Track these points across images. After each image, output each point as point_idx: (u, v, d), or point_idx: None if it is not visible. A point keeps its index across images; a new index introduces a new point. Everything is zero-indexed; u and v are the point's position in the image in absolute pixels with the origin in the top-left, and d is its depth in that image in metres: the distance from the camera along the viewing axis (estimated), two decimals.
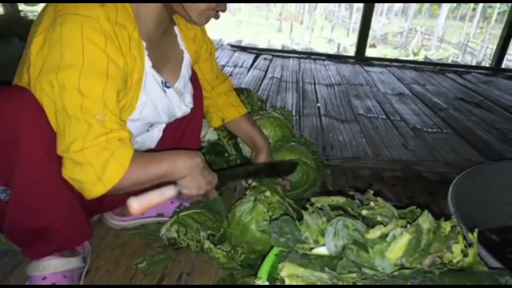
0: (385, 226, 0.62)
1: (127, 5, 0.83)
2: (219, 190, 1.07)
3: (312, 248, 0.67)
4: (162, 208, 1.25)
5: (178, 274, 1.06)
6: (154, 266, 1.06)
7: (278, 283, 0.58)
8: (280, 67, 3.84)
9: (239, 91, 1.78)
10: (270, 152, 1.28)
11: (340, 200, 0.74)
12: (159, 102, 0.96)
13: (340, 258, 0.60)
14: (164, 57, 0.99)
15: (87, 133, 0.73)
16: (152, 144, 1.12)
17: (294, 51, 5.03)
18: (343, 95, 3.09)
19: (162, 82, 0.95)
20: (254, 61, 3.98)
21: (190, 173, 0.89)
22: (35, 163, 0.78)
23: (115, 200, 1.16)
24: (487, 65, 5.54)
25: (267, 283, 0.60)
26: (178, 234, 1.09)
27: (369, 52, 4.82)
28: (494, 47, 4.96)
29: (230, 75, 3.31)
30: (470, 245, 0.61)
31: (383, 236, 0.61)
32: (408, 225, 0.61)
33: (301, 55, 4.56)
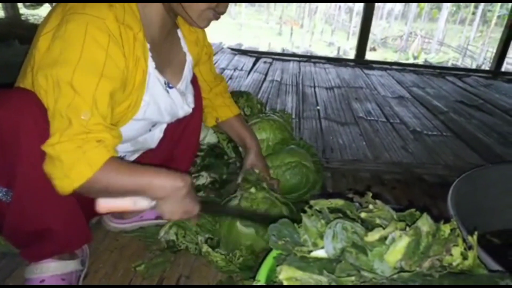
0: (384, 229, 0.62)
1: (133, 5, 0.84)
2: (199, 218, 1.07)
3: (310, 251, 0.66)
4: None
5: (177, 277, 1.05)
6: (152, 269, 1.06)
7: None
8: (280, 70, 3.84)
9: (239, 94, 1.78)
10: (259, 154, 1.28)
11: (339, 202, 0.73)
12: (162, 102, 0.96)
13: (339, 261, 0.60)
14: (167, 59, 1.00)
15: (65, 129, 0.71)
16: (153, 144, 1.13)
17: (294, 55, 5.04)
18: (343, 98, 3.09)
19: (165, 82, 0.96)
20: (254, 64, 3.99)
21: (167, 196, 0.84)
22: (37, 165, 0.78)
23: None
24: (487, 68, 5.55)
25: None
26: (176, 237, 1.09)
27: (369, 56, 4.83)
28: (494, 51, 4.97)
29: (230, 78, 3.32)
30: (470, 248, 0.60)
31: (382, 239, 0.61)
32: (408, 228, 0.61)
33: (301, 59, 4.57)
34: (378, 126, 2.50)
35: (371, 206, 0.69)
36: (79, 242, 0.97)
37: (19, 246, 0.91)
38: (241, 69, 3.69)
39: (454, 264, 0.58)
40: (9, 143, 0.76)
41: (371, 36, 4.79)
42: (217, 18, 0.93)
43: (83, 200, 0.91)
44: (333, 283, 0.54)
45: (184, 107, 1.05)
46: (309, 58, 4.65)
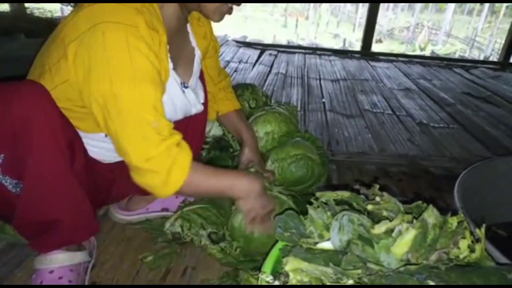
0: (390, 221, 0.61)
1: (155, 6, 0.84)
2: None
3: (316, 243, 0.66)
4: (167, 202, 1.25)
5: (183, 269, 1.06)
6: (159, 261, 1.06)
7: (282, 277, 0.58)
8: (285, 62, 3.82)
9: (244, 86, 1.77)
10: (254, 148, 1.27)
11: (345, 194, 0.73)
12: (178, 102, 0.98)
13: (345, 253, 0.60)
14: (179, 55, 1.00)
15: (146, 144, 0.78)
16: None
17: (299, 47, 5.00)
18: (348, 91, 3.07)
19: (181, 82, 0.98)
20: (259, 56, 3.97)
21: (246, 198, 0.96)
22: (47, 157, 0.80)
23: (122, 192, 1.17)
24: (495, 59, 5.47)
25: (271, 277, 0.60)
26: (182, 229, 1.10)
27: (375, 47, 4.79)
28: (503, 42, 4.90)
29: (235, 70, 3.31)
30: (477, 240, 0.60)
31: (389, 231, 0.60)
32: (414, 220, 0.61)
33: (306, 51, 4.54)
34: (384, 119, 2.48)
35: (378, 198, 0.69)
36: (87, 234, 0.98)
37: (28, 237, 0.92)
38: (246, 62, 3.67)
39: (461, 256, 0.57)
40: (20, 136, 0.77)
41: (377, 27, 4.75)
42: (230, 12, 0.94)
43: (90, 190, 0.93)
44: (339, 275, 0.54)
45: (197, 105, 1.07)
46: (315, 50, 4.62)
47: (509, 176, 1.23)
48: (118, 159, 1.05)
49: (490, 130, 2.41)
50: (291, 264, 0.59)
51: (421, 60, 4.67)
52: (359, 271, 0.54)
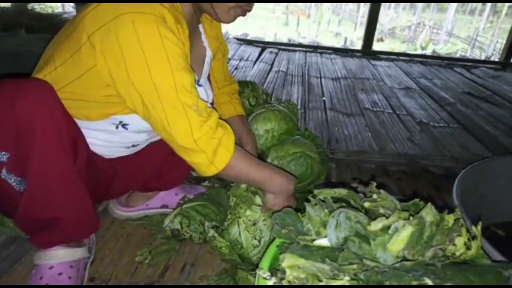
0: (387, 218, 0.62)
1: (178, 4, 0.86)
2: None
3: (314, 240, 0.67)
4: (166, 199, 1.26)
5: (181, 265, 1.07)
6: (158, 257, 1.07)
7: (279, 274, 0.58)
8: (286, 60, 3.82)
9: (245, 84, 1.78)
10: (253, 154, 1.22)
11: (342, 192, 0.73)
12: None
13: (342, 250, 0.60)
14: (192, 52, 1.00)
15: (191, 126, 0.81)
16: None
17: (300, 45, 5.00)
18: (349, 89, 3.07)
19: (195, 80, 0.97)
20: (260, 54, 3.97)
21: (278, 193, 0.99)
22: (50, 155, 0.80)
23: (122, 188, 1.17)
24: (496, 59, 5.47)
25: (268, 274, 0.60)
26: (181, 226, 1.10)
27: (377, 46, 4.78)
28: (504, 42, 4.89)
29: (236, 68, 3.31)
30: (473, 238, 0.60)
31: (385, 228, 0.61)
32: (411, 218, 0.61)
33: (307, 49, 4.54)
34: (384, 117, 2.48)
35: (375, 196, 0.69)
36: (88, 231, 0.99)
37: (30, 233, 0.93)
38: (247, 59, 3.67)
39: (457, 254, 0.58)
40: (25, 133, 0.77)
41: (378, 26, 4.74)
42: (243, 14, 0.94)
43: (91, 186, 0.93)
44: (336, 271, 0.54)
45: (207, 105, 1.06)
46: (316, 49, 4.62)
47: (509, 175, 1.23)
48: (120, 154, 1.06)
49: (490, 130, 2.41)
50: (288, 261, 0.59)
51: (422, 59, 4.67)
52: (355, 266, 0.54)
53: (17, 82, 0.79)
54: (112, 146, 1.00)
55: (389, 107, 2.70)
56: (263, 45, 4.43)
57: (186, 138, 0.82)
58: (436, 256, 0.56)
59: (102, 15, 0.76)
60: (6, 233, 1.10)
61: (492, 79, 3.87)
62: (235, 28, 4.95)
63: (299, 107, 2.50)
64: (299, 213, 0.74)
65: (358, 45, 5.23)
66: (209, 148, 0.84)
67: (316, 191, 0.75)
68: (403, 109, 2.69)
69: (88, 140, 0.95)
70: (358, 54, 4.51)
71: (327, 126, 2.25)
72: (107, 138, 0.97)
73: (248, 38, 4.95)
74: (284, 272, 0.58)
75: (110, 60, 0.76)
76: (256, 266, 0.97)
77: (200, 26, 1.05)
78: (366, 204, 0.68)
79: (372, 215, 0.66)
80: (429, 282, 0.52)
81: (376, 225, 0.61)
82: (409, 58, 4.62)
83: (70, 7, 4.42)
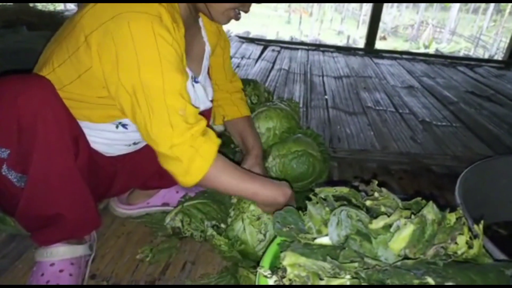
0: (389, 216, 0.61)
1: (175, 4, 0.85)
2: None
3: (315, 238, 0.66)
4: (167, 197, 1.26)
5: (182, 263, 1.07)
6: (159, 255, 1.07)
7: (280, 272, 0.58)
8: (288, 58, 3.81)
9: (246, 82, 1.77)
10: (259, 158, 1.20)
11: (344, 190, 0.73)
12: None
13: (343, 248, 0.60)
14: (190, 50, 0.99)
15: (173, 131, 0.78)
16: None
17: (302, 43, 4.98)
18: (351, 88, 3.06)
19: (192, 76, 0.97)
20: (262, 52, 3.96)
21: (266, 206, 0.97)
22: (52, 152, 0.80)
23: (123, 186, 1.17)
24: (500, 58, 5.44)
25: (269, 272, 0.60)
26: (182, 224, 1.10)
27: (379, 45, 4.76)
28: (508, 41, 4.86)
29: (238, 66, 3.30)
30: (475, 236, 0.60)
31: (387, 227, 0.60)
32: (413, 216, 0.61)
33: (309, 47, 4.53)
34: (387, 116, 2.48)
35: (376, 194, 0.69)
36: (88, 228, 0.99)
37: (30, 230, 0.93)
38: (249, 57, 3.67)
39: (459, 252, 0.57)
40: (26, 130, 0.77)
41: (381, 24, 4.73)
42: (237, 18, 0.92)
43: (92, 183, 0.93)
44: (336, 270, 0.54)
45: (206, 102, 1.05)
46: (318, 47, 4.60)
47: (510, 175, 1.23)
48: (121, 152, 1.05)
49: (493, 129, 2.40)
50: (288, 259, 0.59)
51: (425, 58, 4.65)
52: (356, 265, 0.54)
53: (19, 78, 0.79)
54: (113, 144, 1.00)
55: (392, 106, 2.69)
56: (265, 43, 4.42)
57: (165, 142, 0.79)
58: (437, 254, 0.56)
59: (99, 15, 0.75)
60: (7, 230, 1.10)
61: (495, 78, 3.85)
62: (237, 26, 4.94)
63: (301, 105, 2.50)
64: (300, 211, 0.74)
65: (361, 44, 5.21)
66: (185, 157, 0.80)
67: (317, 189, 0.75)
68: (406, 107, 2.69)
69: (89, 138, 0.94)
70: (360, 52, 4.49)
71: (329, 124, 2.25)
72: (108, 136, 0.97)
73: (250, 36, 4.94)
74: (285, 270, 0.58)
75: (105, 61, 0.76)
76: (258, 263, 0.97)
77: (200, 20, 1.05)
78: (368, 203, 0.68)
79: (373, 214, 0.66)
80: (430, 281, 0.51)
81: (377, 224, 0.60)
82: (412, 56, 4.61)
83: (71, 5, 4.42)
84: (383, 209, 0.65)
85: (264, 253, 0.74)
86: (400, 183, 1.63)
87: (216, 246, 1.02)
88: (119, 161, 1.07)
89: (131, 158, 1.10)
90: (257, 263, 0.99)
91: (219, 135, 1.49)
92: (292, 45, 4.62)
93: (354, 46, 5.65)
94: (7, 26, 2.40)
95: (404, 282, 0.51)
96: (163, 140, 0.79)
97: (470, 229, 0.60)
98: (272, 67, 3.41)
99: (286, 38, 5.70)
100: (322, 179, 1.42)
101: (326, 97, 2.77)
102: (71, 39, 0.80)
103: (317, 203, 0.71)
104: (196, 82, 1.00)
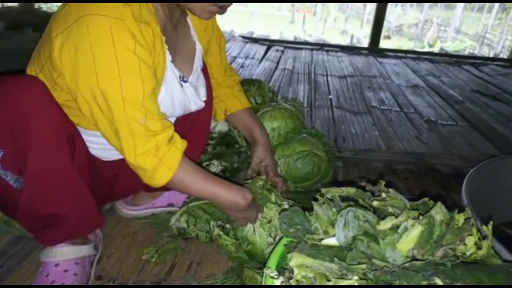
0: (396, 217, 0.61)
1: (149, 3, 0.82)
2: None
3: (321, 239, 0.66)
4: (173, 198, 1.26)
5: (188, 264, 1.07)
6: (164, 255, 1.07)
7: (286, 273, 0.58)
8: (292, 58, 3.81)
9: (251, 82, 1.77)
10: (268, 148, 1.22)
11: (350, 190, 0.73)
12: (176, 96, 0.96)
13: (350, 249, 0.60)
14: (178, 50, 0.98)
15: (134, 141, 0.78)
16: None
17: (306, 43, 4.98)
18: (356, 87, 3.05)
19: (180, 76, 0.96)
20: (266, 52, 3.96)
21: (229, 210, 0.98)
22: (47, 151, 0.80)
23: (126, 189, 1.17)
24: (505, 57, 5.40)
25: (275, 273, 0.60)
26: (187, 225, 1.10)
27: (384, 44, 4.74)
28: None
29: (242, 66, 3.30)
30: (484, 237, 0.59)
31: (395, 228, 0.60)
32: (421, 217, 0.60)
33: (313, 47, 4.52)
34: (392, 116, 2.46)
35: (383, 195, 0.68)
36: (90, 227, 0.99)
37: (32, 231, 0.93)
38: (253, 58, 3.67)
39: (468, 253, 0.57)
40: (20, 130, 0.77)
41: (385, 23, 4.71)
42: (221, 13, 0.89)
43: (92, 186, 0.93)
44: (344, 271, 0.54)
45: (197, 102, 1.03)
46: (322, 46, 4.59)
47: None
48: (117, 157, 1.04)
49: (498, 128, 2.39)
50: (295, 260, 0.59)
51: (430, 56, 4.62)
52: (364, 266, 0.53)
53: (11, 79, 0.79)
54: (107, 149, 0.97)
55: (397, 105, 2.68)
56: (269, 43, 4.42)
57: (129, 152, 0.79)
58: (446, 255, 0.55)
59: (67, 17, 0.73)
60: (14, 232, 1.10)
61: (501, 76, 3.82)
62: (240, 26, 4.94)
63: (305, 105, 2.49)
64: (306, 212, 0.74)
65: (365, 43, 5.19)
66: (149, 167, 0.80)
67: (323, 190, 0.74)
68: (411, 107, 2.67)
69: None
70: (364, 51, 4.48)
71: (333, 124, 2.24)
72: (101, 141, 0.94)
73: (254, 36, 4.93)
74: (292, 271, 0.58)
75: (66, 64, 0.74)
76: (265, 264, 0.96)
77: (188, 19, 1.02)
78: (375, 203, 0.67)
79: (381, 214, 0.65)
80: (439, 282, 0.51)
81: (385, 224, 0.60)
82: (417, 55, 4.59)
83: None
84: (390, 209, 0.65)
85: (270, 253, 0.74)
86: (406, 183, 1.62)
87: (223, 246, 1.02)
88: (118, 165, 1.04)
89: None
90: (263, 264, 0.98)
91: (224, 135, 1.50)
92: (296, 44, 4.62)
93: (358, 45, 5.63)
94: (13, 27, 2.42)
95: (412, 283, 0.51)
96: (127, 149, 0.79)
97: (478, 230, 0.59)
98: (276, 67, 3.41)
99: (290, 38, 5.70)
100: (327, 179, 1.42)
101: (330, 96, 2.77)
102: (47, 43, 0.78)
103: (324, 203, 0.70)
104: (185, 81, 0.98)
